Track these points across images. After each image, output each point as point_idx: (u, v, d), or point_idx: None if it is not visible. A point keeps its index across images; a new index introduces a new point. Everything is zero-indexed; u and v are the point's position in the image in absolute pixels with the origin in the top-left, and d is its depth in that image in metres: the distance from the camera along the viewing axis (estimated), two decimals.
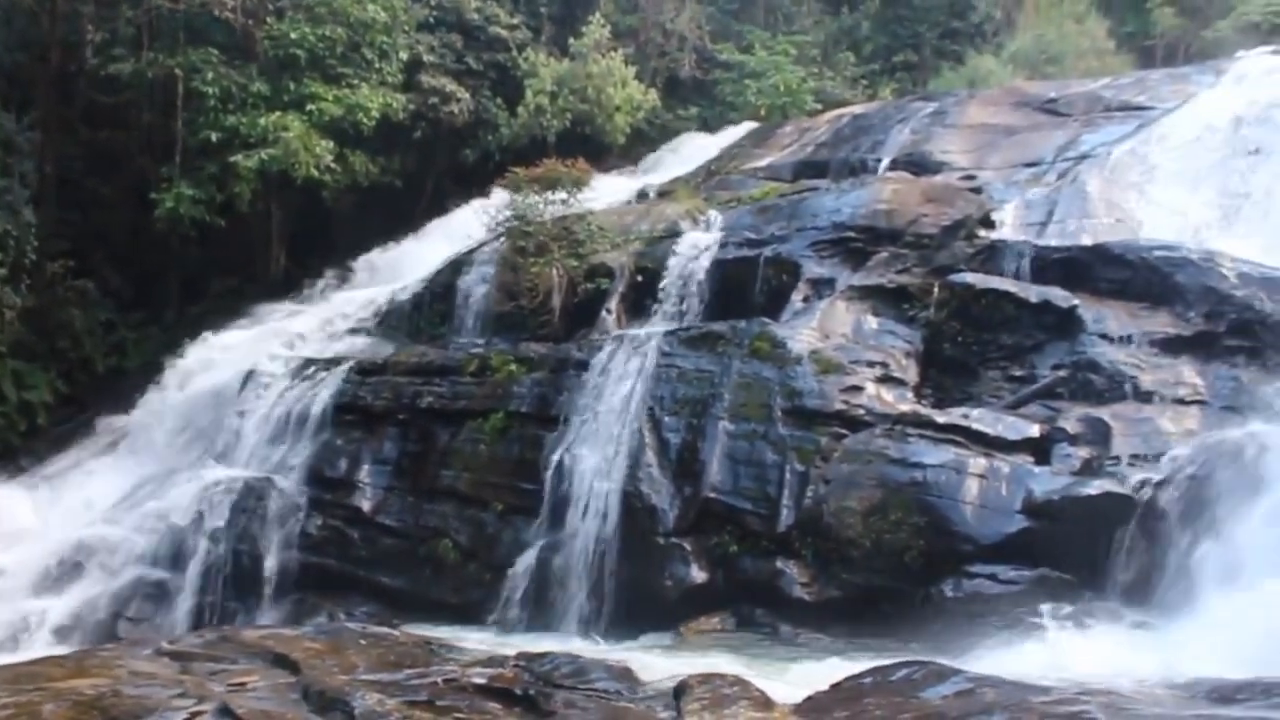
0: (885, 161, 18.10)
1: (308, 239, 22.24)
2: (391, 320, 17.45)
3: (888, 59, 27.34)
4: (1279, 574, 9.90)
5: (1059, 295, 13.24)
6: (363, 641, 9.34)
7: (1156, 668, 8.60)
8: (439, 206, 21.64)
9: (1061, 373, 12.76)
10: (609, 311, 15.66)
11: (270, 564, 14.43)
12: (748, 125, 22.89)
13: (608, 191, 19.45)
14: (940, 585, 11.48)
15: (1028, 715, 7.17)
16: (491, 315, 16.46)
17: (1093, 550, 11.16)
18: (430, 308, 17.30)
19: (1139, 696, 7.80)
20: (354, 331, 17.50)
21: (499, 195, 17.99)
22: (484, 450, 14.34)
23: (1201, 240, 13.89)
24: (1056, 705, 7.35)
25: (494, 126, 23.36)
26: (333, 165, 20.53)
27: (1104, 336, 12.83)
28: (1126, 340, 12.75)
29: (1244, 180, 14.94)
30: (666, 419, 13.35)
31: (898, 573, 11.70)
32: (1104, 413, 12.10)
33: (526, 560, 13.38)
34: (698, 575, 12.55)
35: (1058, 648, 9.80)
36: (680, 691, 8.05)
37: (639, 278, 15.83)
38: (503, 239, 17.11)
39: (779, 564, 12.23)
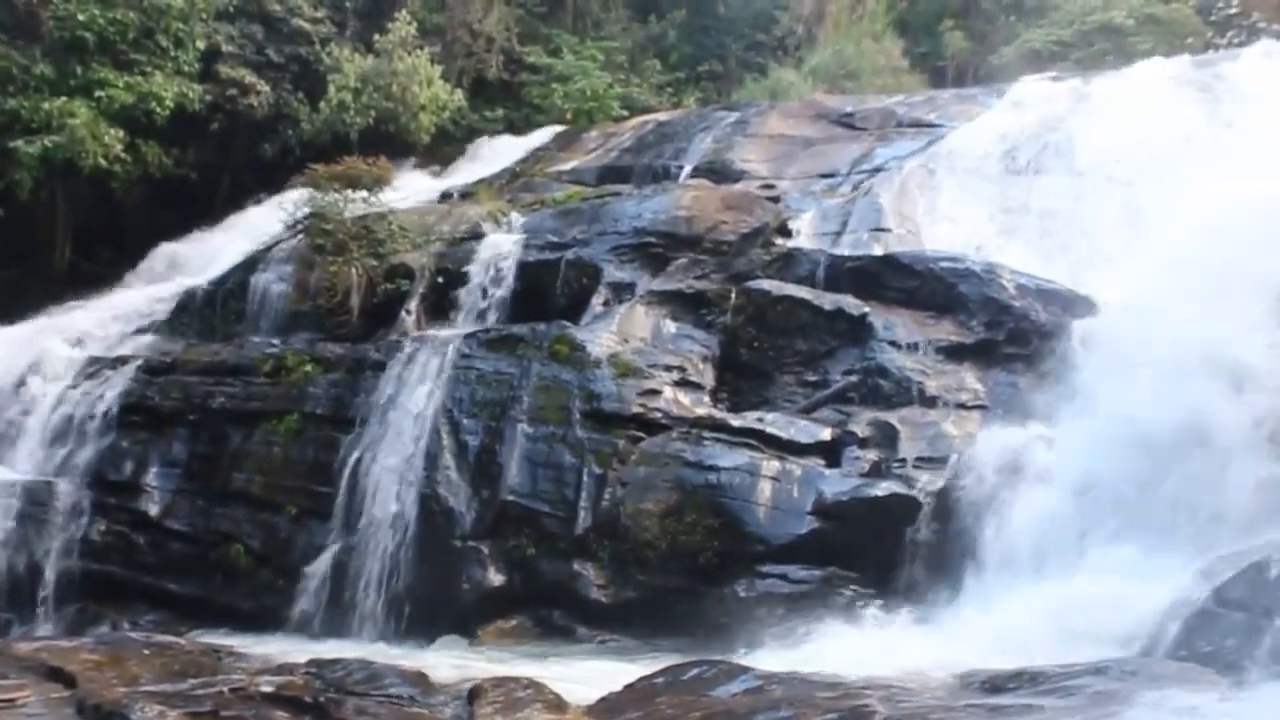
0: (688, 169, 18.36)
1: (96, 231, 21.29)
2: (184, 318, 16.82)
3: (693, 68, 27.70)
4: (1048, 571, 10.50)
5: (851, 303, 13.64)
6: (146, 651, 9.05)
7: (937, 661, 8.95)
8: (237, 201, 20.94)
9: (852, 378, 13.12)
10: (409, 312, 15.45)
11: (49, 572, 13.79)
12: (554, 129, 22.90)
13: (411, 191, 19.22)
14: (734, 585, 11.71)
15: (812, 710, 7.39)
16: (288, 314, 16.04)
17: (880, 550, 11.53)
18: (225, 305, 16.73)
19: (919, 688, 8.11)
20: (143, 329, 16.81)
21: (298, 191, 17.57)
22: (278, 452, 14.03)
23: (984, 253, 14.49)
24: (840, 699, 7.59)
25: (295, 121, 22.77)
26: (123, 155, 19.68)
27: (893, 343, 13.25)
28: (914, 347, 13.21)
29: (1022, 197, 15.68)
30: (465, 421, 13.27)
31: (693, 573, 11.89)
32: (892, 417, 12.53)
33: (321, 565, 13.13)
34: (495, 578, 12.52)
35: (846, 644, 10.11)
36: (474, 695, 8.04)
37: (440, 279, 15.67)
38: (301, 236, 16.72)
39: (576, 566, 12.29)
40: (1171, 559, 9.76)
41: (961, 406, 12.57)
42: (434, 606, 12.54)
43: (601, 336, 13.73)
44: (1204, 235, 12.21)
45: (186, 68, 20.96)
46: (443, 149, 23.23)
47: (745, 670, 8.57)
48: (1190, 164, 14.52)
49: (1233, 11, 31.36)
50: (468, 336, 14.19)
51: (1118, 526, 10.56)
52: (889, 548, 11.51)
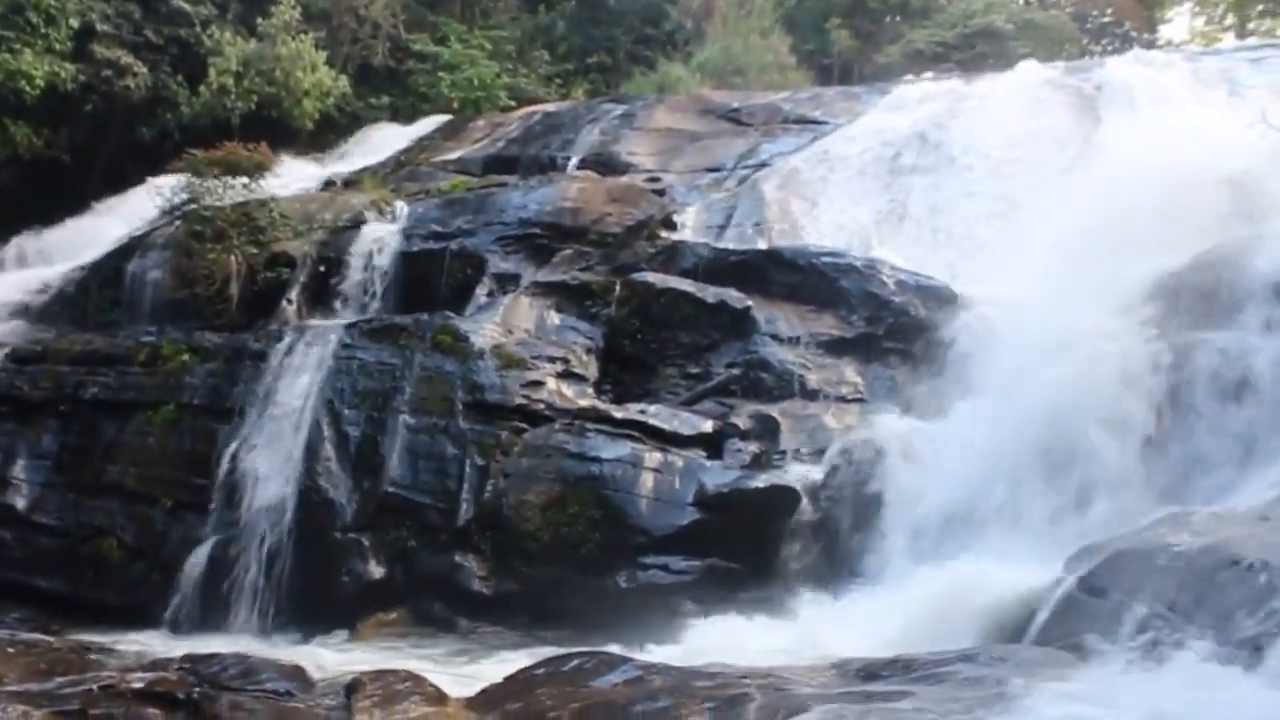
0: (574, 160, 18.36)
1: None
2: (55, 305, 16.36)
3: (582, 60, 27.69)
4: (924, 561, 10.73)
5: (734, 296, 13.76)
6: (11, 650, 8.74)
7: (816, 650, 9.10)
8: (113, 185, 20.41)
9: (735, 371, 13.25)
10: (290, 301, 15.23)
11: None
12: (440, 118, 22.76)
13: (294, 178, 18.95)
14: (616, 576, 11.72)
15: (690, 699, 7.45)
16: (165, 302, 15.69)
17: (761, 540, 11.65)
18: (99, 293, 16.32)
19: (797, 677, 8.21)
20: (11, 316, 16.32)
21: (176, 177, 17.19)
22: (153, 444, 13.68)
23: (865, 248, 14.74)
24: (718, 688, 7.66)
25: (174, 104, 22.26)
26: None
27: (775, 337, 13.41)
28: (795, 341, 13.38)
29: (903, 194, 15.98)
30: (346, 412, 13.09)
31: (575, 565, 11.87)
32: (773, 409, 12.67)
33: (198, 558, 12.83)
34: (376, 571, 12.37)
35: (726, 634, 10.20)
36: (352, 689, 7.93)
37: (322, 268, 15.46)
38: (179, 223, 16.36)
39: (458, 558, 12.20)
40: (1041, 548, 10.04)
41: (841, 399, 12.77)
42: (314, 600, 12.36)
43: (485, 327, 13.65)
44: (1077, 233, 12.62)
45: (58, 46, 20.37)
46: (327, 136, 22.93)
47: (625, 661, 8.59)
48: (1063, 165, 15.00)
49: (1106, 20, 32.38)
50: (349, 326, 14.00)
51: (991, 516, 10.83)
52: (769, 539, 11.65)
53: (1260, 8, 30.70)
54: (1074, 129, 16.22)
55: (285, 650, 10.49)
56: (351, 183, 18.73)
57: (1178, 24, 35.53)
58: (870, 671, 8.16)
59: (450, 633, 11.88)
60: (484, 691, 8.24)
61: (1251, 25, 30.70)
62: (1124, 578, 8.81)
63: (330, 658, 10.23)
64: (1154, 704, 6.33)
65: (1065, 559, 9.52)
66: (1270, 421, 10.63)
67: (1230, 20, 32.07)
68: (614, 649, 9.46)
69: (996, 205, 15.22)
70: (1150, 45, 29.23)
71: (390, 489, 12.60)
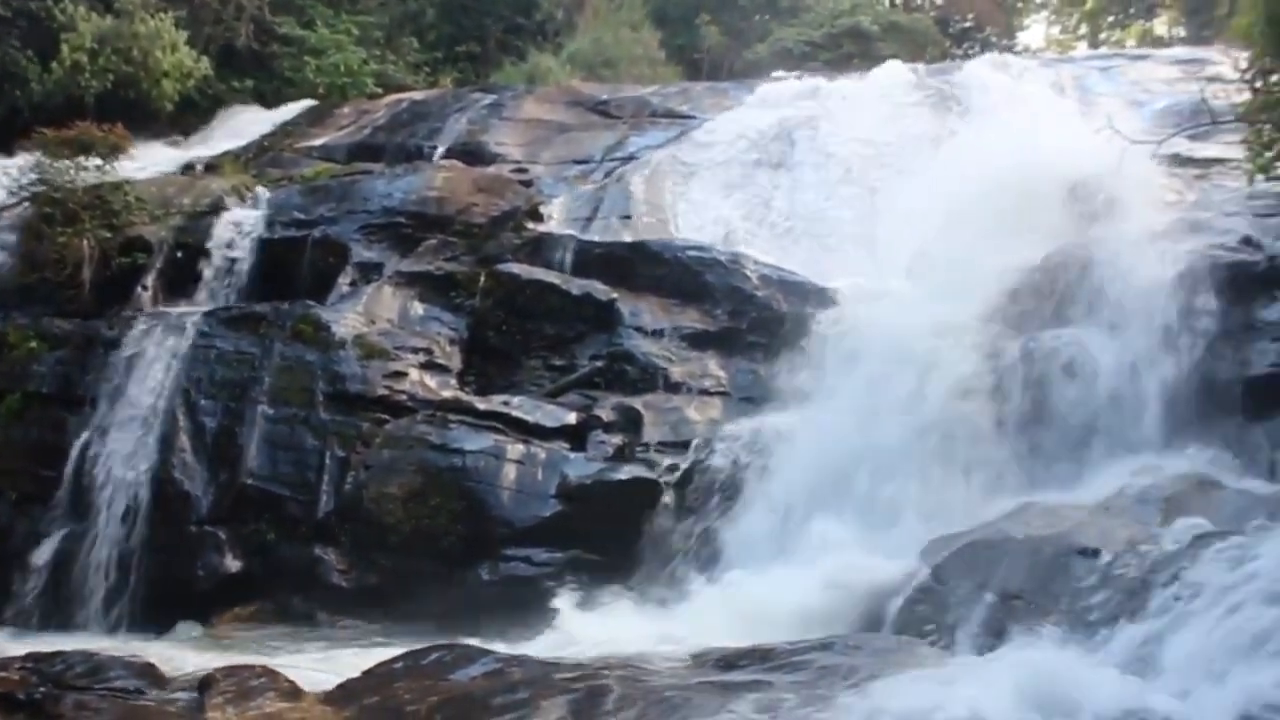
0: (441, 149, 18.17)
1: None
2: None
3: (451, 48, 27.41)
4: (785, 552, 10.89)
5: (599, 289, 13.79)
6: None
7: (677, 641, 9.15)
8: None
9: (599, 363, 13.29)
10: (145, 288, 14.80)
11: None
12: (305, 103, 22.29)
13: (153, 161, 18.41)
14: (478, 569, 11.73)
15: (550, 691, 7.46)
16: (13, 287, 15.06)
17: (623, 532, 11.71)
18: None
19: (656, 668, 8.26)
20: None
21: (25, 156, 16.56)
22: None
23: (730, 243, 14.88)
24: (578, 680, 7.68)
25: (23, 81, 21.41)
26: None
27: (640, 330, 13.48)
28: (660, 334, 13.47)
29: (769, 190, 16.17)
30: (203, 402, 12.83)
31: (436, 557, 11.81)
32: (637, 402, 12.73)
33: (44, 553, 12.46)
34: (233, 564, 12.16)
35: (588, 626, 10.22)
36: (205, 685, 7.76)
37: (179, 254, 15.06)
38: (28, 205, 15.77)
39: (318, 551, 12.06)
40: (900, 539, 10.28)
41: (704, 392, 12.89)
42: (168, 595, 12.09)
43: (347, 317, 13.47)
44: (935, 230, 12.94)
45: None
46: (187, 118, 22.31)
47: (486, 653, 8.56)
48: (923, 163, 15.33)
49: (968, 25, 33.20)
50: (207, 314, 13.71)
51: (850, 509, 11.03)
52: (632, 530, 11.71)
53: (1111, 19, 31.79)
54: (934, 129, 16.60)
55: (137, 647, 10.15)
56: (212, 167, 18.27)
57: (1035, 31, 36.62)
58: (729, 661, 8.26)
59: (310, 626, 11.71)
60: (341, 686, 8.13)
61: (1103, 35, 31.79)
62: (975, 567, 9.10)
63: (184, 654, 9.97)
64: (1003, 688, 6.52)
65: (920, 549, 9.78)
66: (1114, 415, 11.06)
67: (1084, 30, 33.15)
68: (476, 642, 9.41)
69: (859, 202, 15.50)
70: (1009, 51, 30.01)
71: (248, 481, 12.39)
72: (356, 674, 8.37)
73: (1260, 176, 11.90)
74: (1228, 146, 13.37)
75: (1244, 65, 12.13)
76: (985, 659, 7.37)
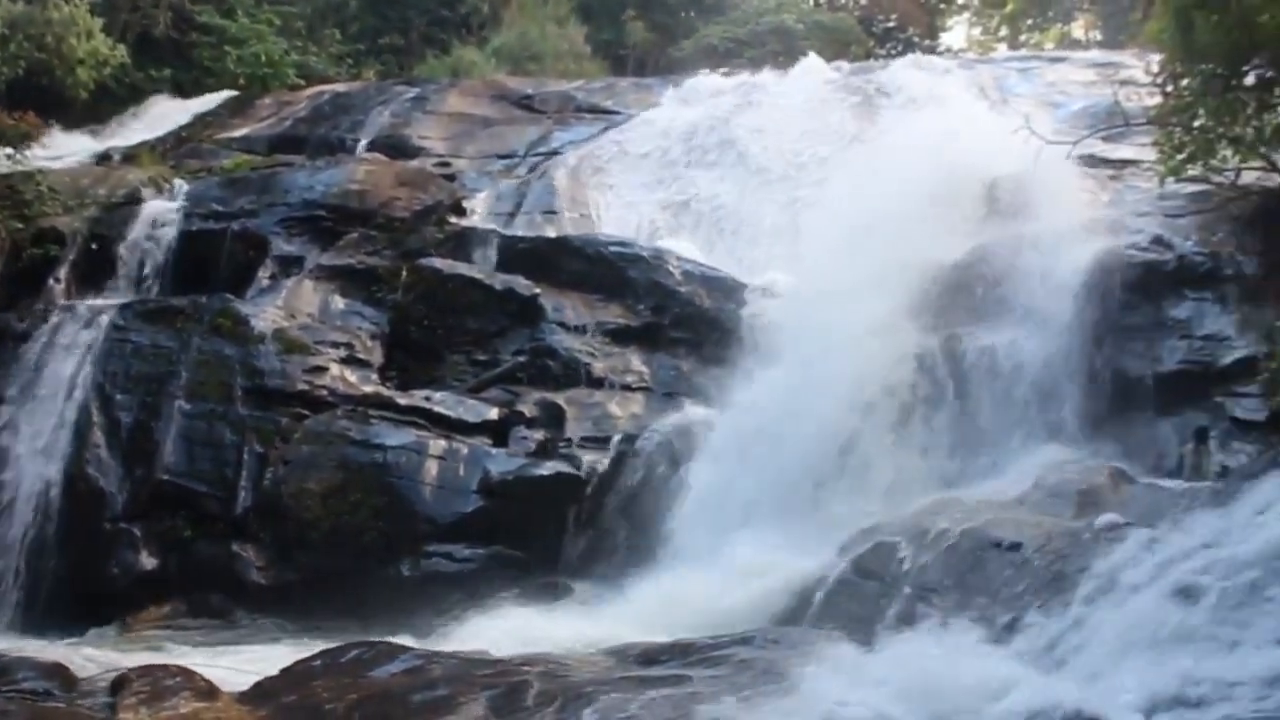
0: (364, 142, 18.03)
1: None
2: None
3: (374, 40, 27.16)
4: (706, 548, 10.94)
5: (522, 284, 13.75)
6: None
7: (599, 637, 9.18)
8: None
9: (521, 358, 13.25)
10: (58, 280, 14.49)
11: None
12: (225, 94, 21.97)
13: (66, 150, 18.09)
14: (399, 565, 11.65)
15: (470, 687, 7.45)
16: None
17: (545, 528, 11.73)
18: None
19: (578, 664, 8.28)
20: None
21: None
22: None
23: (654, 239, 14.92)
24: (498, 676, 7.68)
25: None
26: None
27: (562, 325, 13.46)
28: (582, 329, 13.46)
29: (692, 186, 16.22)
30: (118, 397, 12.60)
31: (357, 554, 11.72)
32: (559, 397, 12.73)
33: None
34: (148, 562, 11.96)
35: (510, 622, 10.19)
36: (117, 686, 7.65)
37: (94, 246, 14.78)
38: None
39: (235, 548, 11.91)
40: (821, 533, 10.36)
41: (627, 388, 12.92)
42: (82, 594, 11.89)
43: (267, 311, 13.33)
44: (857, 227, 13.05)
45: None
46: (103, 108, 21.86)
47: (405, 650, 8.53)
48: (846, 160, 15.47)
49: (891, 25, 33.56)
50: (123, 308, 13.46)
51: (772, 504, 11.12)
52: (554, 526, 11.73)
53: (1030, 22, 32.29)
54: (857, 126, 16.76)
55: (49, 648, 10.00)
56: (129, 158, 17.95)
57: (957, 32, 37.11)
58: (649, 657, 8.30)
59: (228, 625, 11.58)
60: (258, 685, 8.06)
61: (1023, 37, 32.28)
62: (894, 560, 9.21)
63: (98, 654, 9.81)
64: (916, 680, 6.61)
65: (840, 544, 9.87)
66: (1031, 410, 11.25)
67: (1004, 32, 33.64)
68: (398, 639, 9.39)
69: (782, 198, 15.60)
70: (931, 51, 30.41)
71: (164, 477, 12.21)
72: (275, 673, 8.31)
73: (1171, 178, 12.15)
74: (1141, 148, 13.64)
75: (1155, 69, 12.36)
76: (901, 652, 7.45)
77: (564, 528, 11.77)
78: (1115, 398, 11.02)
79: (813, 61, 19.44)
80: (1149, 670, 6.50)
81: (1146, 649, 6.73)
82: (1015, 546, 8.69)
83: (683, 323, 13.44)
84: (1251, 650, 6.31)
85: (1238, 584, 6.75)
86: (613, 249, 14.23)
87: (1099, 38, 29.79)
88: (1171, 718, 6.04)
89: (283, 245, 14.53)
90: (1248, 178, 11.89)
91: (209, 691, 7.57)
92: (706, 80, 19.13)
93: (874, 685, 6.59)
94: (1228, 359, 10.75)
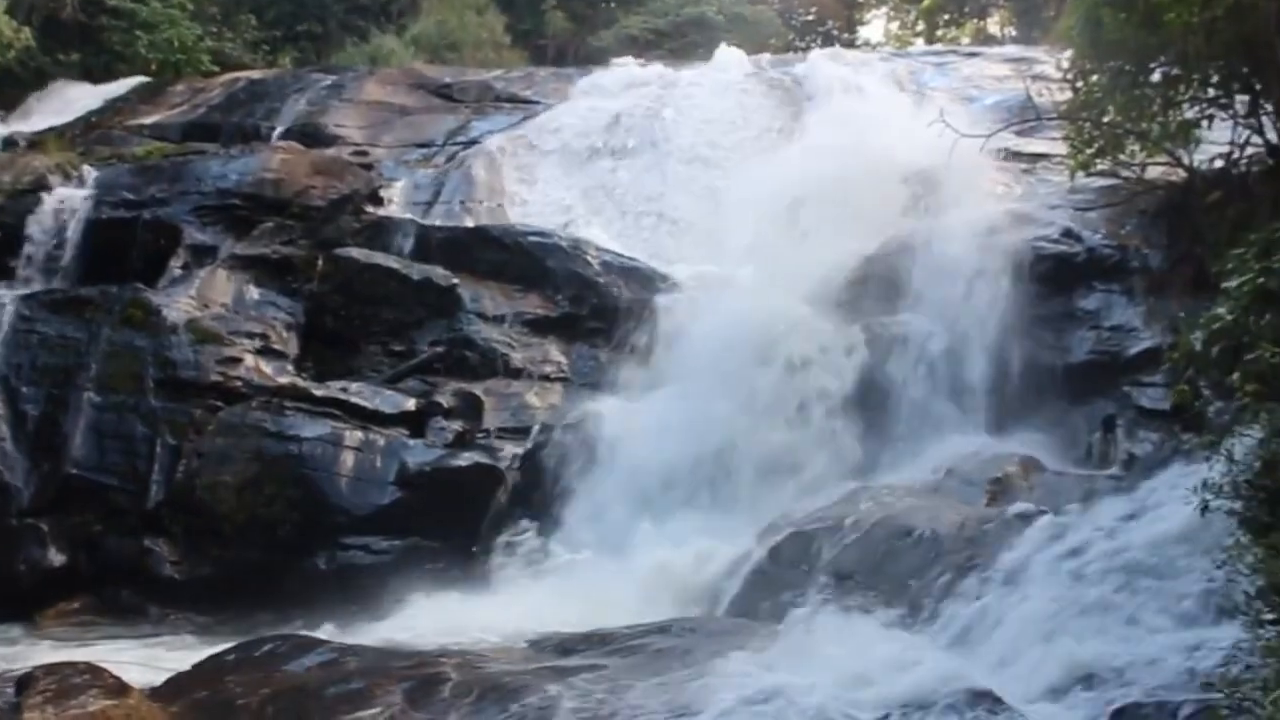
0: (279, 130, 17.70)
1: None
2: None
3: (291, 27, 26.74)
4: (626, 537, 10.97)
5: (440, 274, 13.64)
6: None
7: (518, 627, 9.18)
8: None
9: (439, 349, 13.14)
10: None
11: None
12: (136, 79, 21.51)
13: None
14: (315, 558, 11.57)
15: (386, 680, 7.44)
16: None
17: (464, 519, 11.66)
18: None
19: (495, 654, 8.31)
20: None
21: None
22: None
23: (573, 229, 14.87)
24: (415, 668, 7.68)
25: None
26: None
27: (480, 315, 13.37)
28: (501, 319, 13.38)
29: (611, 176, 16.19)
30: (24, 389, 12.35)
31: (272, 547, 11.61)
32: (477, 388, 12.68)
33: None
34: (56, 557, 11.75)
35: (428, 614, 10.17)
36: (23, 684, 7.52)
37: None
38: None
39: (148, 542, 11.75)
40: (740, 522, 10.46)
41: (545, 378, 12.90)
42: None
43: (179, 301, 13.11)
44: (776, 218, 13.17)
45: None
46: (8, 93, 21.33)
47: (321, 644, 8.49)
48: (764, 152, 15.57)
49: (810, 18, 33.81)
50: (28, 298, 13.15)
51: (691, 493, 11.19)
52: (473, 517, 11.67)
53: (947, 17, 32.64)
54: (775, 119, 16.84)
55: None
56: (35, 144, 17.48)
57: (875, 26, 37.35)
58: (567, 646, 8.34)
59: (140, 621, 11.42)
60: (170, 681, 7.99)
61: (940, 32, 32.59)
62: (810, 549, 9.32)
63: (4, 652, 9.68)
64: (829, 667, 6.70)
65: (758, 532, 9.96)
66: (946, 399, 11.44)
67: (921, 26, 33.97)
68: (315, 633, 9.34)
69: (701, 189, 15.62)
70: (850, 44, 30.66)
71: (73, 471, 12.02)
72: (187, 668, 8.23)
73: (1081, 172, 12.39)
74: (1053, 142, 13.86)
75: (1066, 66, 12.57)
76: (815, 639, 7.55)
77: (482, 517, 11.72)
78: (1027, 387, 11.24)
79: (732, 53, 19.48)
80: (1055, 652, 6.67)
81: (1054, 632, 6.90)
82: (929, 534, 8.84)
83: (601, 313, 13.41)
84: (1148, 633, 6.51)
85: (1137, 570, 6.95)
86: (531, 239, 14.16)
87: (1014, 33, 30.21)
88: (1073, 699, 6.21)
89: (196, 234, 14.26)
90: (1154, 172, 12.15)
91: (119, 688, 7.46)
92: (626, 71, 19.08)
93: (788, 671, 6.68)
94: (1134, 349, 11.01)
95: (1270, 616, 4.85)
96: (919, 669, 6.47)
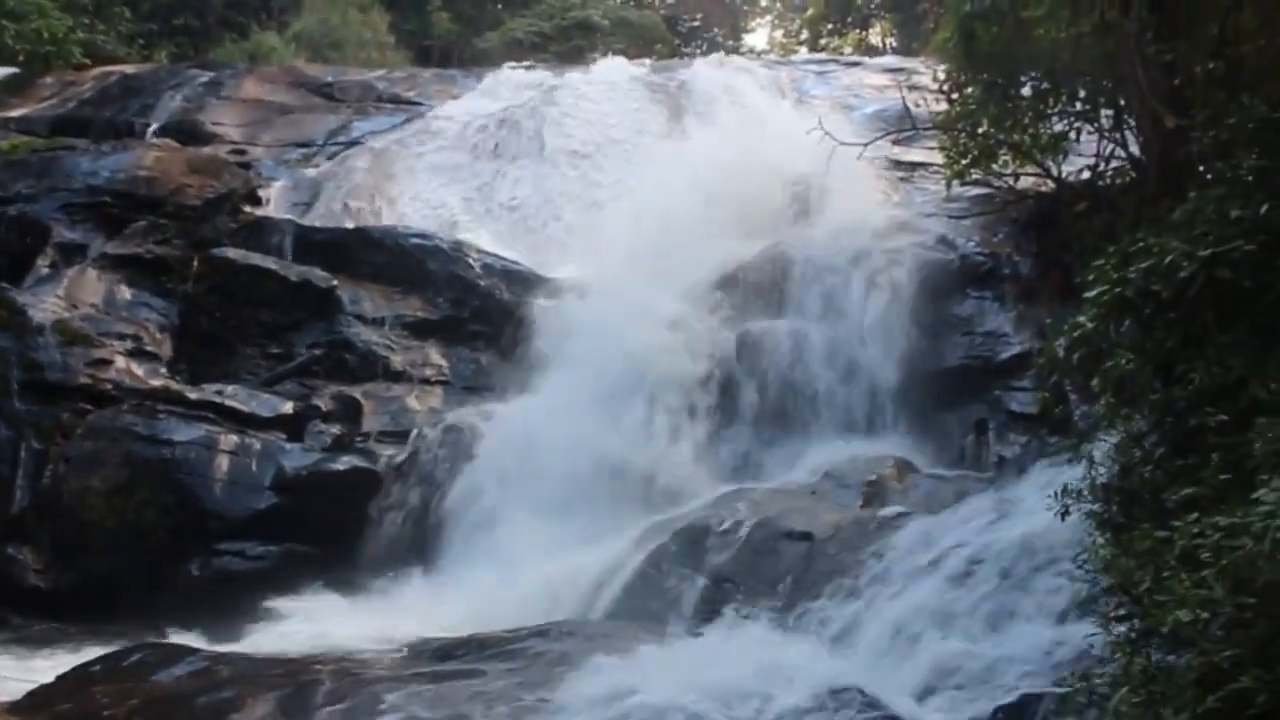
0: (154, 127, 17.33)
1: None
2: None
3: (168, 21, 26.18)
4: (505, 542, 10.93)
5: (319, 275, 13.47)
6: None
7: (397, 633, 9.10)
8: None
9: (318, 351, 13.00)
10: None
11: None
12: (3, 70, 20.84)
13: None
14: (188, 565, 11.34)
15: (258, 688, 7.35)
16: None
17: (342, 524, 11.53)
18: None
19: (372, 660, 8.23)
20: None
21: None
22: None
23: (455, 231, 14.80)
24: (290, 676, 7.60)
25: None
26: None
27: (360, 318, 13.27)
28: (381, 322, 13.29)
29: (494, 179, 16.15)
30: None
31: (144, 554, 11.35)
32: (357, 391, 12.56)
33: None
34: None
35: (306, 620, 10.02)
36: None
37: None
38: None
39: (11, 550, 11.41)
40: (616, 525, 10.47)
41: (425, 381, 12.83)
42: None
43: (46, 301, 12.77)
44: (656, 223, 13.25)
45: None
46: None
47: (192, 652, 8.36)
48: (647, 157, 15.66)
49: (696, 24, 34.11)
50: None
51: (565, 498, 11.17)
52: (352, 521, 11.56)
53: (830, 26, 33.17)
54: (658, 124, 16.93)
55: None
56: None
57: (760, 34, 37.88)
58: (445, 652, 8.32)
59: (3, 632, 11.02)
60: (31, 694, 7.80)
61: (823, 41, 33.11)
62: (688, 552, 9.40)
63: None
64: (704, 669, 6.76)
65: (636, 536, 10.00)
66: (824, 403, 11.62)
67: (805, 35, 34.48)
68: (186, 641, 9.16)
69: (583, 193, 15.66)
70: (735, 51, 30.98)
71: None
72: (50, 680, 8.03)
73: (956, 181, 12.69)
74: (929, 152, 14.18)
75: (942, 77, 12.87)
76: (692, 642, 7.62)
77: (361, 522, 11.61)
78: (903, 391, 11.48)
79: (616, 59, 19.59)
80: (926, 649, 6.82)
81: (925, 630, 7.05)
82: (806, 536, 8.98)
83: (482, 316, 13.39)
84: (1016, 631, 6.69)
85: (1005, 569, 7.14)
86: (413, 241, 14.08)
87: (894, 44, 30.81)
88: (945, 697, 6.36)
89: (65, 232, 13.88)
90: (1025, 183, 12.51)
91: None
92: (510, 74, 19.06)
93: (666, 674, 6.72)
94: (1005, 355, 11.31)
95: (1120, 614, 5.01)
96: (799, 674, 6.56)
